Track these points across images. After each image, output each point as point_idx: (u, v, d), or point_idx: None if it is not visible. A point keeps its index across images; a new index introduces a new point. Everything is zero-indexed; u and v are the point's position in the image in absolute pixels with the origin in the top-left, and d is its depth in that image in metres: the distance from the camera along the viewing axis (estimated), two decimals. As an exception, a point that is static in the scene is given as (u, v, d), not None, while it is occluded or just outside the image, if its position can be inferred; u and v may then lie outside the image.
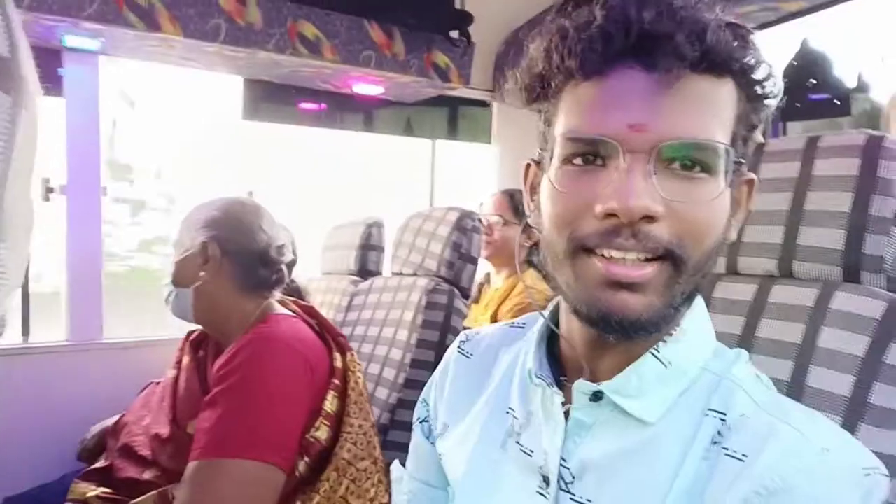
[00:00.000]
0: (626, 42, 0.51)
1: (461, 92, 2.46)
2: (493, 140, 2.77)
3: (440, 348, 1.62)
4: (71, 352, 1.98)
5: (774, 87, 0.55)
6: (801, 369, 0.78)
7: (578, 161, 0.54)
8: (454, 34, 2.20)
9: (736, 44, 0.52)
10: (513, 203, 2.19)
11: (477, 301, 2.33)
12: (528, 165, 0.65)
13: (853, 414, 0.71)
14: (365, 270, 2.23)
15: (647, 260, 0.52)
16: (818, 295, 0.79)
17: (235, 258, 1.26)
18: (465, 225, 1.72)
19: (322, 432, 1.17)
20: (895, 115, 1.07)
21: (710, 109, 0.52)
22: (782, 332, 0.81)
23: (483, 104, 2.75)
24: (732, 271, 0.91)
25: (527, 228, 2.31)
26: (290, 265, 2.10)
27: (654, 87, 0.51)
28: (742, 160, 0.55)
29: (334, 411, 1.20)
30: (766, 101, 0.56)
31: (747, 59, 0.52)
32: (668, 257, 0.52)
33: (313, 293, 2.22)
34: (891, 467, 0.53)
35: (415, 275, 1.82)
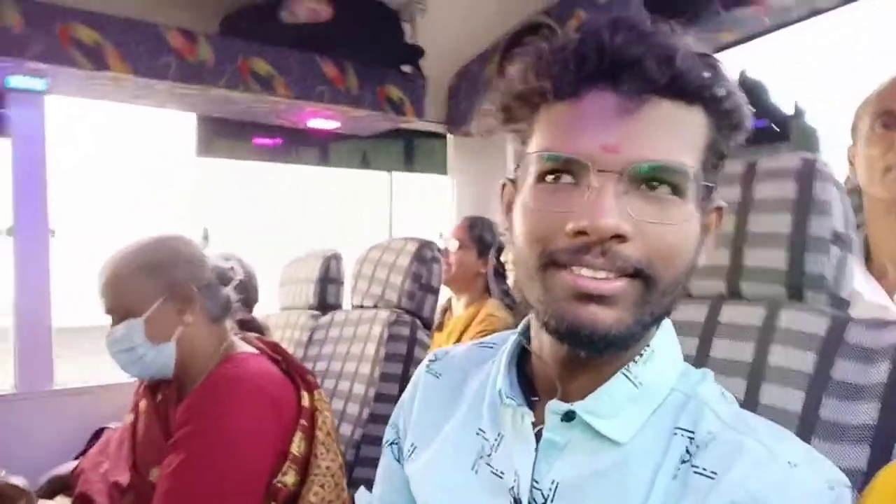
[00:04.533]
0: (600, 65, 0.52)
1: (416, 125, 2.49)
2: (449, 171, 2.80)
3: (404, 381, 1.61)
4: (20, 400, 1.90)
5: (745, 119, 0.57)
6: (754, 387, 0.80)
7: (551, 179, 0.55)
8: (406, 68, 2.23)
9: (706, 73, 0.53)
10: (472, 231, 2.23)
11: (440, 328, 2.33)
12: (504, 185, 0.65)
13: (806, 429, 0.73)
14: (325, 304, 2.21)
15: (618, 277, 0.53)
16: (765, 314, 0.82)
17: (205, 290, 1.23)
18: (424, 255, 1.72)
19: (289, 476, 1.15)
20: (862, 127, 1.11)
21: (679, 134, 0.54)
22: (734, 351, 0.84)
23: (438, 136, 2.78)
24: (685, 294, 0.93)
25: (482, 255, 2.31)
26: (252, 302, 2.06)
27: (624, 109, 0.52)
28: (712, 185, 0.57)
29: (301, 453, 1.18)
30: (736, 132, 0.58)
31: (717, 88, 0.54)
32: (637, 276, 0.53)
33: (272, 329, 2.18)
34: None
35: (376, 307, 1.81)
